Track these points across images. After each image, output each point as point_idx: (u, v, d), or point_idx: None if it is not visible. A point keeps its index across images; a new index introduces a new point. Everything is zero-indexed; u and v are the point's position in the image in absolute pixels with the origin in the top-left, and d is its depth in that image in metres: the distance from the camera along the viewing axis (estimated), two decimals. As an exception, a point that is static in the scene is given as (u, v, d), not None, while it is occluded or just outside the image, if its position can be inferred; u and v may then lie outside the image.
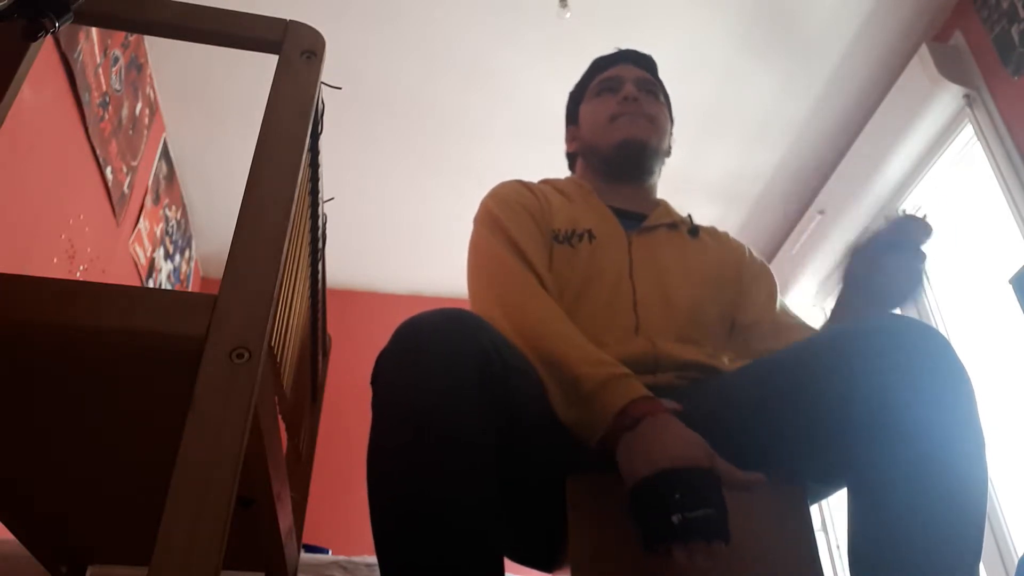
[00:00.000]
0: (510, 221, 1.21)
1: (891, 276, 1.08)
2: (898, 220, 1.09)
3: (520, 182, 1.33)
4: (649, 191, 1.40)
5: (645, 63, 1.45)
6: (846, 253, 1.13)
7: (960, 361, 0.88)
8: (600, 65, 1.45)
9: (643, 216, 1.32)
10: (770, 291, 1.32)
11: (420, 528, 0.79)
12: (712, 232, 1.39)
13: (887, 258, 1.08)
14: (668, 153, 1.43)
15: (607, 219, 1.28)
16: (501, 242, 1.19)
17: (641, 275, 1.22)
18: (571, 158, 1.48)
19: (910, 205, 2.90)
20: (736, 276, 1.32)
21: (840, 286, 1.14)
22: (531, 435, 0.95)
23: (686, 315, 1.20)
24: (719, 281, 1.28)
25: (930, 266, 1.09)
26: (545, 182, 1.37)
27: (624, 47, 1.47)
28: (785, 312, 1.30)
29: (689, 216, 1.39)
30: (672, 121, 1.44)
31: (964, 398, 0.86)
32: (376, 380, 0.88)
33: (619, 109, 1.35)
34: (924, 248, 1.07)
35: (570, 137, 1.48)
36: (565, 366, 0.99)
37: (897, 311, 1.12)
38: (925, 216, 1.07)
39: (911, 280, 1.08)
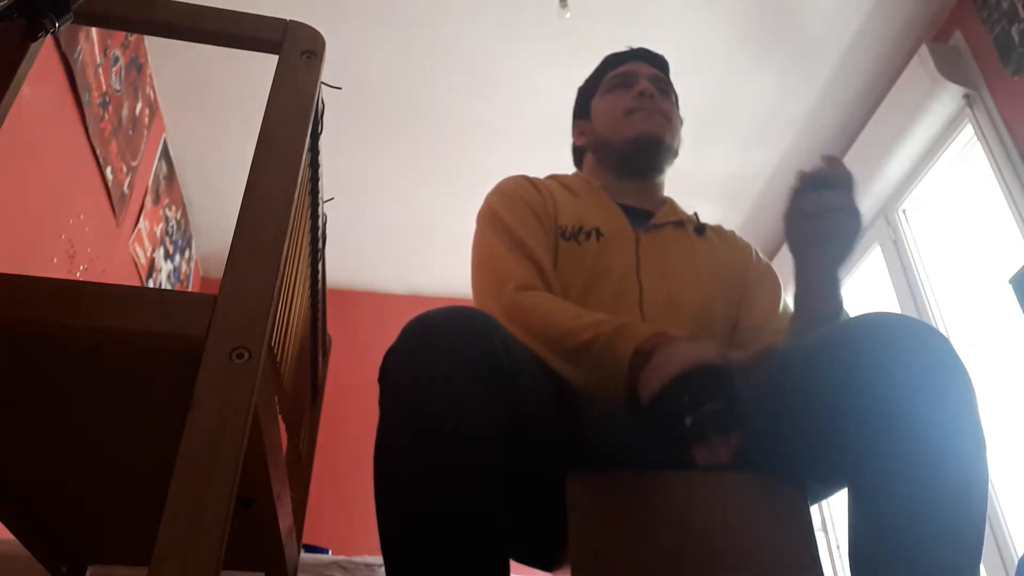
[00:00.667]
0: (512, 218, 1.21)
1: (826, 220, 1.06)
2: (808, 171, 1.08)
3: (525, 177, 1.33)
4: (657, 188, 1.40)
5: (658, 62, 1.45)
6: (782, 220, 1.12)
7: (960, 360, 0.88)
8: (613, 61, 1.45)
9: (650, 213, 1.32)
10: (775, 293, 1.32)
11: (426, 526, 0.79)
12: (719, 231, 1.39)
13: (813, 204, 1.07)
14: (676, 153, 1.43)
15: (615, 217, 1.28)
16: (502, 240, 1.19)
17: (648, 273, 1.22)
18: (578, 153, 1.48)
19: (913, 211, 2.90)
20: (742, 276, 1.32)
21: (792, 258, 1.13)
22: (534, 434, 0.95)
23: (692, 314, 1.20)
24: (725, 281, 1.28)
25: (855, 195, 1.07)
26: (552, 178, 1.37)
27: (633, 46, 1.47)
28: (788, 314, 1.30)
29: (695, 214, 1.39)
30: (681, 121, 1.44)
31: (964, 397, 0.86)
32: (384, 377, 0.88)
33: (634, 104, 1.35)
34: (849, 184, 1.06)
35: (578, 131, 1.47)
36: (571, 337, 1.00)
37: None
38: (833, 159, 1.07)
39: (847, 215, 1.06)
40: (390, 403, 0.86)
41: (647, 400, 0.87)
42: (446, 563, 0.78)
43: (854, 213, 1.06)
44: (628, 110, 1.35)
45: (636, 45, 1.47)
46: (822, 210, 1.06)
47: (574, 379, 1.01)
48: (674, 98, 1.44)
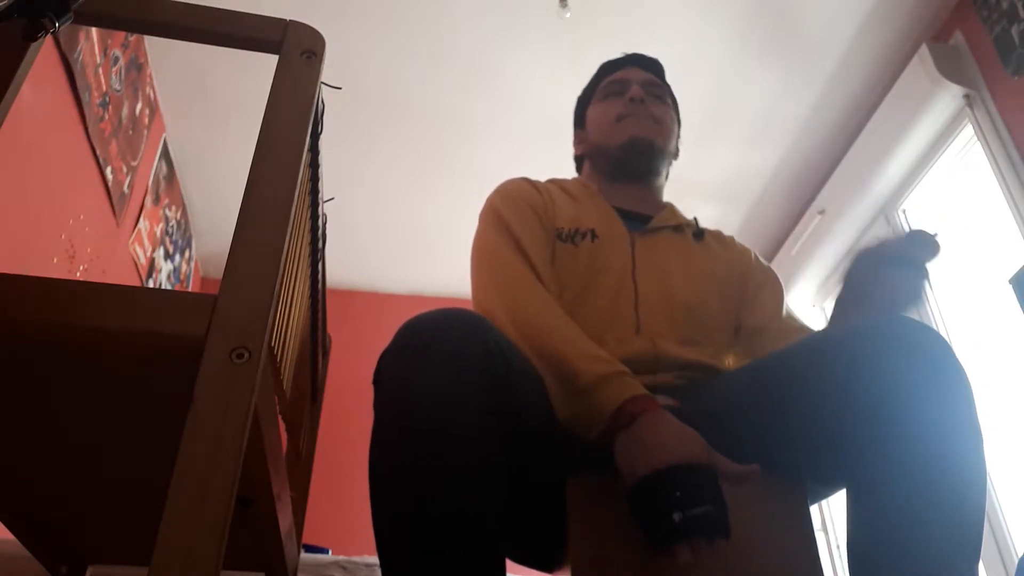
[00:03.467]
0: (513, 218, 1.22)
1: (891, 288, 1.08)
2: (909, 234, 1.09)
3: (526, 180, 1.34)
4: (655, 192, 1.40)
5: (652, 66, 1.45)
6: (851, 255, 1.13)
7: (958, 360, 0.88)
8: (607, 69, 1.46)
9: (648, 217, 1.32)
10: (777, 297, 1.32)
11: (420, 527, 0.79)
12: (718, 236, 1.39)
13: (890, 269, 1.08)
14: (675, 155, 1.43)
15: (611, 219, 1.28)
16: (504, 239, 1.19)
17: (643, 275, 1.22)
18: (578, 161, 1.49)
19: (913, 211, 2.90)
20: (740, 280, 1.32)
21: (840, 286, 1.14)
22: (532, 435, 0.95)
23: (687, 316, 1.20)
24: (722, 283, 1.28)
25: (930, 283, 1.09)
26: (552, 181, 1.38)
27: (629, 50, 1.48)
28: (791, 317, 1.30)
29: (695, 219, 1.39)
30: (679, 123, 1.44)
31: (962, 397, 0.86)
32: (378, 379, 0.88)
33: (625, 110, 1.36)
34: (928, 265, 1.07)
35: (577, 140, 1.48)
36: (562, 361, 1.00)
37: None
38: (936, 235, 1.07)
39: (909, 295, 1.08)
40: (384, 405, 0.86)
41: (632, 481, 0.87)
42: (440, 564, 0.78)
43: (918, 293, 1.08)
44: (619, 116, 1.36)
45: (637, 46, 1.48)
46: (895, 279, 1.07)
47: (556, 402, 1.00)
48: (670, 100, 1.43)
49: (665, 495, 0.83)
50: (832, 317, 1.16)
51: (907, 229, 2.88)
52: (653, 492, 0.85)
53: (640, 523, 0.86)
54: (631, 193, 1.35)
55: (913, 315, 1.01)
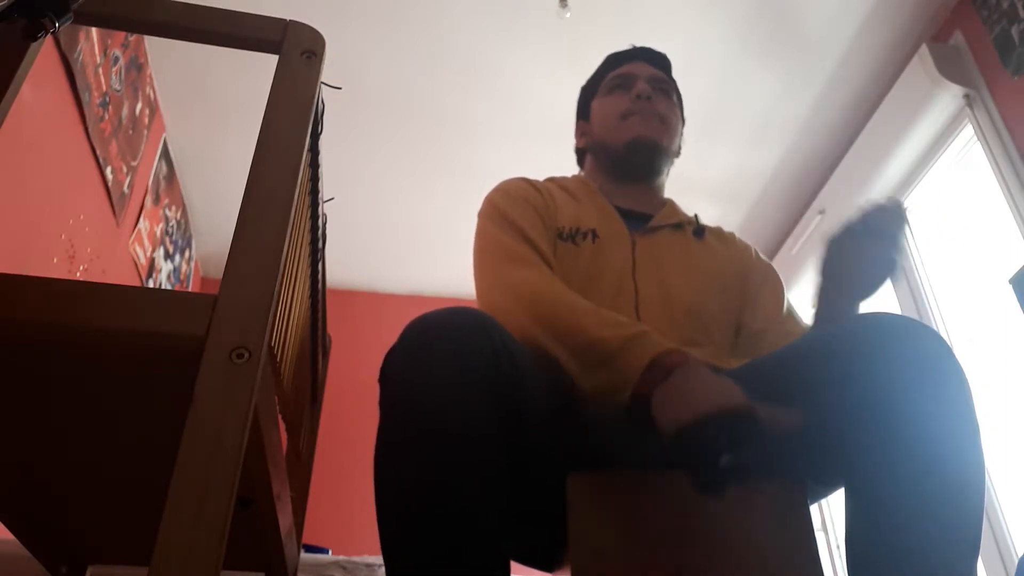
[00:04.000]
0: (516, 214, 1.21)
1: (863, 266, 1.08)
2: (870, 209, 1.08)
3: (525, 179, 1.33)
4: (656, 191, 1.40)
5: (660, 61, 1.44)
6: (823, 245, 1.13)
7: (956, 359, 0.88)
8: (614, 61, 1.44)
9: (648, 216, 1.32)
10: (777, 294, 1.32)
11: (427, 526, 0.79)
12: (718, 233, 1.39)
13: (860, 248, 1.08)
14: (678, 154, 1.42)
15: (611, 219, 1.28)
16: (507, 232, 1.19)
17: (643, 275, 1.22)
18: (580, 154, 1.48)
19: (913, 211, 2.90)
20: (741, 278, 1.31)
21: (818, 279, 1.14)
22: (535, 434, 0.95)
23: (687, 316, 1.20)
24: (723, 282, 1.28)
25: (903, 253, 1.09)
26: (551, 180, 1.37)
27: (636, 45, 1.46)
28: (792, 316, 1.30)
29: (696, 216, 1.38)
30: (683, 121, 1.44)
31: (960, 396, 0.86)
32: (384, 377, 0.88)
33: (631, 107, 1.35)
34: (898, 235, 1.06)
35: (580, 132, 1.47)
36: (582, 332, 1.00)
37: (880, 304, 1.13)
38: (899, 204, 1.07)
39: (883, 268, 1.08)
40: (390, 404, 0.86)
41: (673, 428, 0.87)
42: (446, 563, 0.78)
43: (893, 265, 1.08)
44: (624, 113, 1.35)
45: (637, 45, 1.47)
46: (867, 257, 1.07)
47: (577, 376, 1.00)
48: (676, 97, 1.43)
49: (711, 440, 0.83)
50: (815, 307, 1.16)
51: (912, 228, 2.88)
52: (699, 437, 0.85)
53: (688, 469, 0.86)
54: (632, 191, 1.35)
55: (885, 288, 1.02)
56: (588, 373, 0.99)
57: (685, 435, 0.86)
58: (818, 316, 1.15)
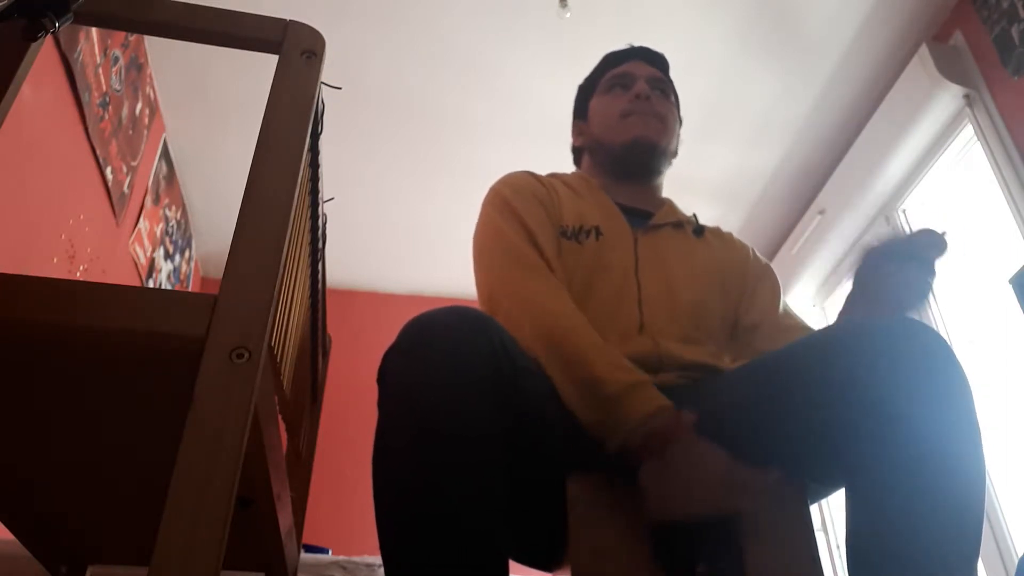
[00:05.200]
0: (521, 206, 1.21)
1: (899, 286, 1.07)
2: (917, 232, 1.08)
3: (530, 173, 1.33)
4: (655, 190, 1.40)
5: (657, 61, 1.44)
6: (860, 253, 1.13)
7: (956, 359, 0.88)
8: (612, 60, 1.44)
9: (649, 214, 1.32)
10: (774, 293, 1.32)
11: (426, 527, 0.79)
12: (717, 232, 1.39)
13: (898, 267, 1.07)
14: (675, 154, 1.42)
15: (614, 216, 1.28)
16: (512, 227, 1.18)
17: (646, 273, 1.22)
18: (577, 153, 1.47)
19: (914, 211, 2.90)
20: (740, 277, 1.32)
21: (851, 283, 1.13)
22: (534, 435, 0.95)
23: (690, 315, 1.20)
24: (723, 281, 1.28)
25: (938, 282, 1.09)
26: (553, 176, 1.37)
27: (634, 44, 1.46)
28: (788, 314, 1.30)
29: (694, 216, 1.39)
30: (680, 121, 1.43)
31: (960, 396, 0.86)
32: (383, 377, 0.88)
33: (630, 107, 1.34)
34: (936, 263, 1.07)
35: (577, 131, 1.47)
36: (584, 366, 0.99)
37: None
38: (944, 233, 1.07)
39: (918, 293, 1.07)
40: (389, 404, 0.86)
41: (661, 519, 0.88)
42: (445, 564, 0.78)
43: (927, 291, 1.07)
44: (624, 113, 1.35)
45: (636, 45, 1.47)
46: (904, 277, 1.06)
47: (568, 400, 1.00)
48: (673, 98, 1.43)
49: (694, 545, 0.84)
50: (840, 314, 1.16)
51: (912, 228, 2.88)
52: (682, 537, 0.85)
53: (663, 561, 0.86)
54: (631, 190, 1.35)
55: (916, 314, 1.01)
56: (584, 407, 0.99)
57: (669, 530, 0.86)
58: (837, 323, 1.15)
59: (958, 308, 2.63)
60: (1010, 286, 2.03)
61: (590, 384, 0.98)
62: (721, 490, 0.88)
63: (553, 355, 1.01)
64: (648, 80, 1.38)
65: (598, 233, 1.24)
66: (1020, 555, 2.19)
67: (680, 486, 0.88)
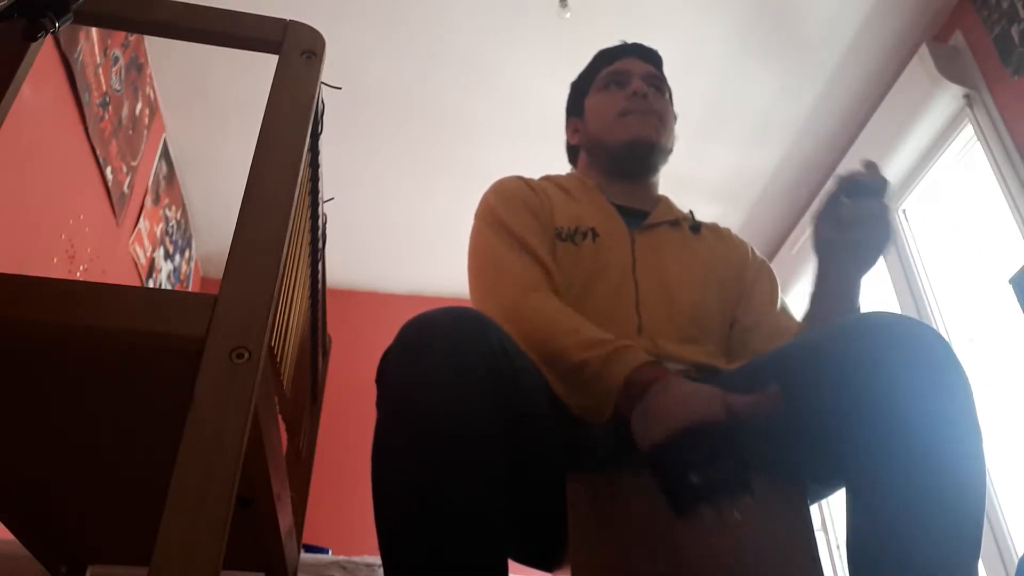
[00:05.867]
0: (511, 217, 1.21)
1: (859, 228, 1.06)
2: (847, 176, 1.08)
3: (521, 178, 1.33)
4: (651, 187, 1.39)
5: (652, 58, 1.43)
6: (810, 223, 1.12)
7: (956, 358, 0.88)
8: (606, 57, 1.43)
9: (645, 213, 1.32)
10: (772, 291, 1.32)
11: (424, 527, 0.79)
12: (714, 229, 1.39)
13: (849, 211, 1.07)
14: (671, 151, 1.42)
15: (611, 217, 1.28)
16: (500, 237, 1.18)
17: (644, 273, 1.22)
18: (572, 151, 1.47)
19: (914, 211, 2.90)
20: (738, 275, 1.31)
21: (816, 259, 1.13)
22: (534, 435, 0.95)
23: (688, 314, 1.20)
24: (721, 280, 1.28)
25: (889, 206, 1.08)
26: (546, 178, 1.37)
27: (627, 41, 1.46)
28: (785, 313, 1.30)
29: (691, 212, 1.38)
30: (675, 117, 1.43)
31: (960, 395, 0.86)
32: (381, 378, 0.88)
33: (628, 105, 1.34)
34: (883, 193, 1.06)
35: (572, 129, 1.46)
36: (565, 356, 1.00)
37: (881, 261, 1.12)
38: (874, 165, 1.06)
39: (880, 225, 1.06)
40: (388, 404, 0.86)
41: (647, 446, 0.87)
42: (444, 564, 0.78)
43: (886, 224, 1.06)
44: (622, 111, 1.34)
45: (630, 42, 1.46)
46: (856, 218, 1.06)
47: (564, 396, 1.01)
48: (668, 94, 1.42)
49: (682, 458, 0.83)
50: (815, 287, 1.15)
51: (912, 228, 2.88)
52: (670, 456, 0.84)
53: (661, 489, 0.85)
54: (628, 189, 1.35)
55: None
56: (573, 394, 0.99)
57: (657, 453, 0.86)
58: (817, 298, 1.14)
59: (958, 308, 2.63)
60: (1010, 286, 2.03)
61: (571, 372, 0.99)
62: (700, 402, 0.87)
63: (538, 358, 1.01)
64: (644, 77, 1.37)
65: (594, 234, 1.24)
66: (1020, 555, 2.19)
67: (658, 412, 0.88)
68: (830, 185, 1.09)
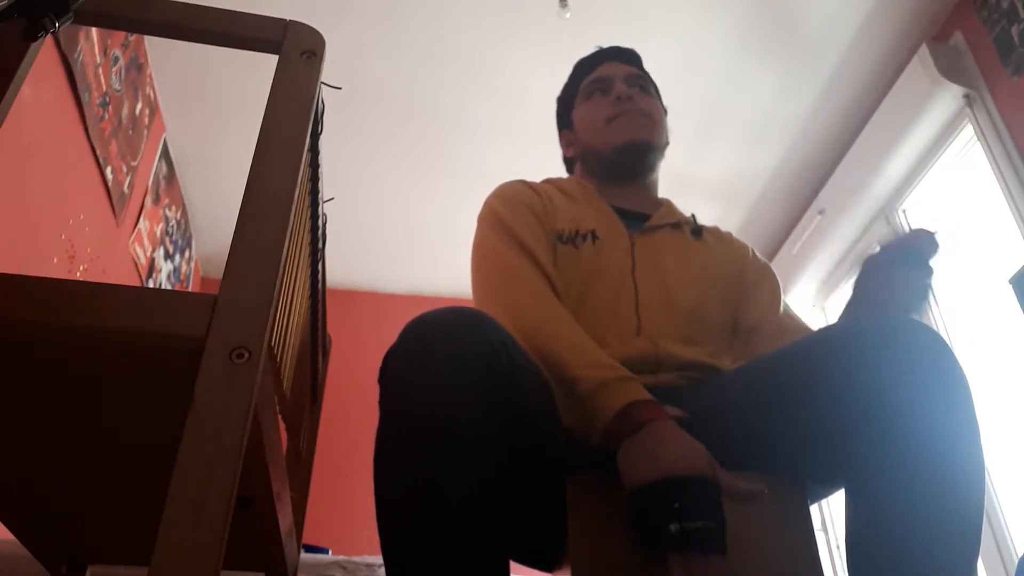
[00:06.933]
0: (514, 220, 1.21)
1: (898, 289, 1.07)
2: (909, 234, 1.09)
3: (523, 182, 1.33)
4: (651, 188, 1.40)
5: (630, 58, 1.43)
6: (860, 264, 1.13)
7: (955, 358, 0.88)
8: (584, 66, 1.44)
9: (646, 216, 1.32)
10: (773, 294, 1.32)
11: (426, 527, 0.79)
12: (715, 232, 1.39)
13: (895, 271, 1.08)
14: (667, 145, 1.42)
15: (610, 219, 1.28)
16: (505, 242, 1.19)
17: (643, 276, 1.22)
18: (569, 163, 1.48)
19: (913, 211, 2.90)
20: (739, 277, 1.31)
21: (851, 295, 1.14)
22: (535, 435, 0.95)
23: (687, 316, 1.20)
24: (721, 282, 1.28)
25: (936, 280, 1.09)
26: (548, 182, 1.37)
27: (607, 46, 1.46)
28: (788, 315, 1.30)
29: (693, 216, 1.39)
30: (665, 111, 1.43)
31: (959, 395, 0.86)
32: (383, 378, 0.88)
33: (614, 110, 1.34)
34: (931, 263, 1.07)
35: (566, 142, 1.47)
36: (563, 368, 0.99)
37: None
38: (935, 232, 1.07)
39: (917, 294, 1.07)
40: (390, 404, 0.86)
41: (632, 488, 0.87)
42: (446, 564, 0.78)
43: (927, 292, 1.07)
44: (609, 117, 1.34)
45: (636, 45, 1.47)
46: (902, 281, 1.07)
47: (560, 405, 1.01)
48: (653, 90, 1.42)
49: (664, 505, 0.83)
50: (841, 318, 1.16)
51: (907, 229, 2.88)
52: (652, 500, 0.85)
53: (636, 530, 0.86)
54: (627, 192, 1.35)
55: (917, 315, 1.01)
56: (566, 409, 0.99)
57: (638, 496, 0.86)
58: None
59: (958, 308, 2.63)
60: (1010, 286, 2.03)
61: (569, 384, 0.99)
62: (689, 455, 0.87)
63: (539, 360, 1.01)
64: (625, 80, 1.38)
65: (594, 237, 1.24)
66: (1020, 555, 2.19)
67: (647, 454, 0.88)
68: (890, 239, 1.11)
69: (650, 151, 1.35)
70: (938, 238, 1.06)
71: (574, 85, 1.44)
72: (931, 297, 1.09)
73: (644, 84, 1.40)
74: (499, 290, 1.14)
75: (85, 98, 2.23)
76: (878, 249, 1.11)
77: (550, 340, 1.03)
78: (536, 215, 1.24)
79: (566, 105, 1.46)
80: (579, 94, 1.42)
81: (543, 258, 1.17)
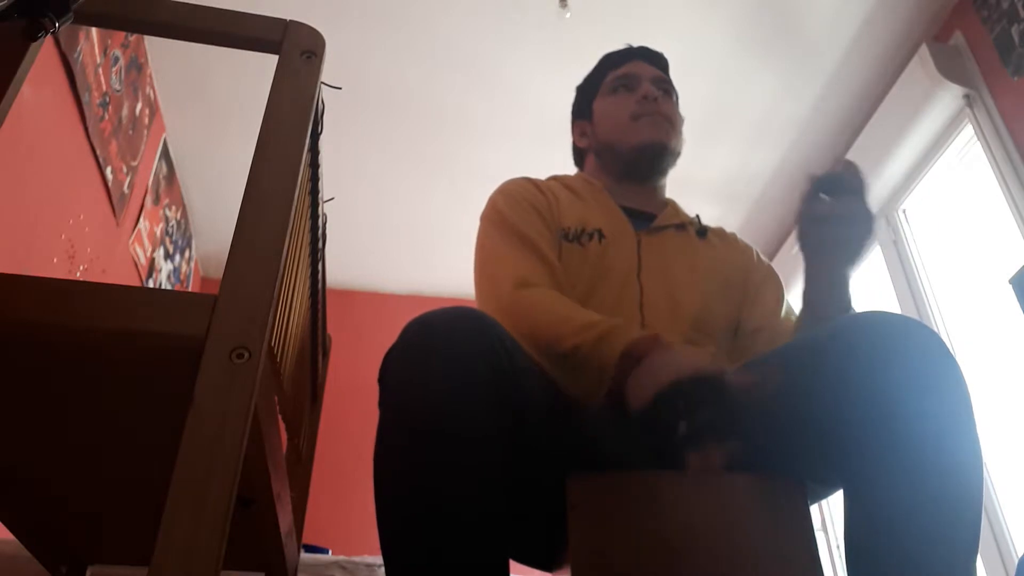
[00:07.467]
0: (517, 216, 1.22)
1: (841, 225, 1.07)
2: (825, 173, 1.08)
3: (528, 179, 1.33)
4: (659, 191, 1.40)
5: (659, 61, 1.44)
6: (794, 223, 1.13)
7: (953, 357, 0.88)
8: (612, 61, 1.44)
9: (652, 216, 1.32)
10: (777, 296, 1.32)
11: (426, 527, 0.79)
12: (720, 233, 1.39)
13: (827, 209, 1.07)
14: (680, 154, 1.42)
15: (617, 218, 1.28)
16: (504, 236, 1.19)
17: (649, 276, 1.22)
18: (579, 153, 1.47)
19: (913, 211, 2.90)
20: (743, 279, 1.32)
21: (803, 258, 1.13)
22: (535, 435, 0.95)
23: (692, 317, 1.20)
24: (726, 283, 1.28)
25: (871, 208, 1.08)
26: (554, 179, 1.37)
27: (635, 45, 1.46)
28: (790, 317, 1.30)
29: (697, 217, 1.39)
30: (682, 120, 1.44)
31: (957, 394, 0.86)
32: (384, 378, 0.88)
33: (639, 109, 1.34)
34: (862, 188, 1.06)
35: (579, 132, 1.46)
36: (559, 344, 1.01)
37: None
38: (850, 164, 1.07)
39: (862, 221, 1.06)
40: (390, 404, 0.86)
41: (639, 405, 0.88)
42: (446, 564, 0.78)
43: (866, 219, 1.06)
44: (634, 115, 1.34)
45: (636, 45, 1.47)
46: (834, 216, 1.06)
47: (563, 382, 1.01)
48: (675, 97, 1.43)
49: (669, 410, 0.84)
50: (806, 285, 1.15)
51: (912, 228, 2.88)
52: (658, 410, 0.85)
53: (650, 443, 0.86)
54: (637, 192, 1.35)
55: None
56: (572, 380, 1.00)
57: (647, 410, 0.86)
58: (808, 296, 1.14)
59: (958, 308, 2.63)
60: (1010, 286, 2.03)
61: (567, 357, 1.00)
62: (690, 359, 0.89)
63: (534, 346, 1.02)
64: (653, 81, 1.38)
65: (600, 236, 1.24)
66: (1020, 555, 2.19)
67: (650, 372, 0.90)
68: (804, 185, 1.10)
69: (667, 155, 1.35)
70: (855, 167, 1.06)
71: (598, 77, 1.44)
72: (870, 242, 1.07)
73: (669, 89, 1.41)
74: (490, 279, 1.15)
75: (85, 98, 2.23)
76: (805, 203, 1.09)
77: (540, 325, 1.05)
78: (540, 213, 1.24)
79: (587, 95, 1.45)
80: (603, 87, 1.41)
81: (544, 249, 1.18)
